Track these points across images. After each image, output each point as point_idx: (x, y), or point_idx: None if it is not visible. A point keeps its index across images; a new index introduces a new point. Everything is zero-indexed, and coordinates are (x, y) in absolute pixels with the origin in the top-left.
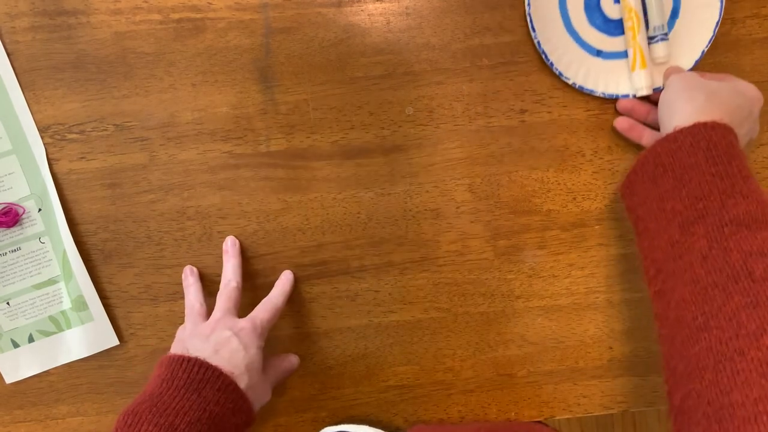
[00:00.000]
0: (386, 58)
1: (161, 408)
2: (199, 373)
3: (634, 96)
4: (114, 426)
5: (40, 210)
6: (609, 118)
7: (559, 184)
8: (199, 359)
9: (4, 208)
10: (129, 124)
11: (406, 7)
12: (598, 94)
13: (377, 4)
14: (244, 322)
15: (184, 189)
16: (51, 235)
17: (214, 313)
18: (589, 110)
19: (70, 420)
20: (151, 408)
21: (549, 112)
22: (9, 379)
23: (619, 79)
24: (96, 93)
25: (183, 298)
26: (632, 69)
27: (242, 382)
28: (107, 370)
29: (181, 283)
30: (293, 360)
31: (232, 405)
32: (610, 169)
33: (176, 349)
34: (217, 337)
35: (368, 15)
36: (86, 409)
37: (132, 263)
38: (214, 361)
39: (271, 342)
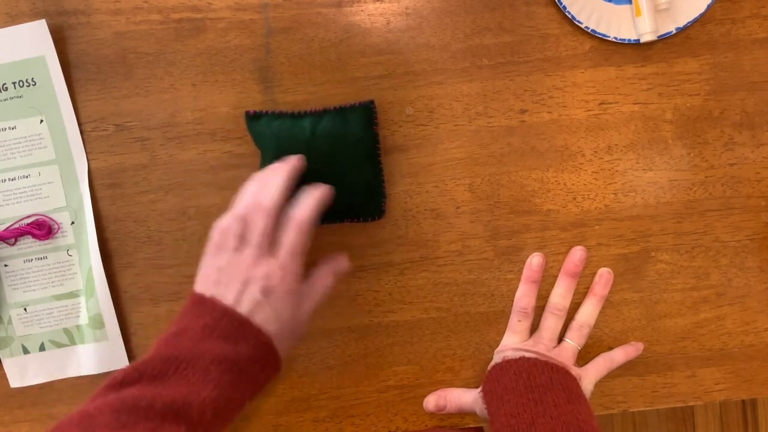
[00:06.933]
0: (386, 58)
1: (200, 353)
2: (239, 329)
3: (638, 41)
4: (153, 351)
5: (72, 223)
6: (609, 118)
7: (559, 184)
8: (243, 317)
9: (39, 219)
10: (129, 124)
11: (406, 7)
12: (610, 39)
13: (377, 4)
14: (276, 277)
15: (184, 189)
16: (80, 250)
17: (249, 247)
18: (589, 110)
19: None
20: (191, 350)
21: (549, 112)
22: (14, 384)
23: (630, 25)
24: (96, 93)
25: (183, 298)
26: (636, 14)
27: (276, 341)
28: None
29: (180, 284)
30: (327, 281)
31: (263, 361)
32: (610, 169)
33: (209, 273)
34: (249, 298)
35: (368, 15)
36: None
37: (132, 263)
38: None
39: None
